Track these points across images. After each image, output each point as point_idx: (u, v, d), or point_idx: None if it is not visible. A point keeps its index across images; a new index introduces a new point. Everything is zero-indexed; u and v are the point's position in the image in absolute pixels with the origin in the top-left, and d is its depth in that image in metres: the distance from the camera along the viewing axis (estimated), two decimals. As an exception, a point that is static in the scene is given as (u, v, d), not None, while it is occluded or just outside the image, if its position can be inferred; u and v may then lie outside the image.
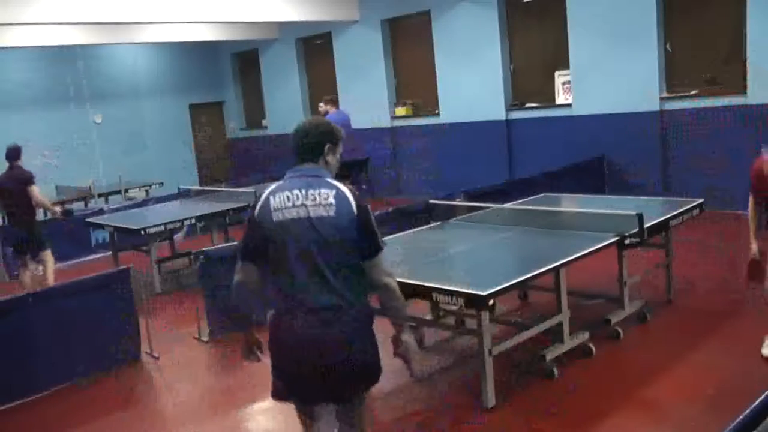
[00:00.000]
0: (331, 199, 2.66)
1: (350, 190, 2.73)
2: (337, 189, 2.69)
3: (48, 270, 7.31)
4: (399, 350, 2.94)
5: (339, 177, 2.87)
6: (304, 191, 2.68)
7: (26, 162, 7.25)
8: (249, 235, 2.75)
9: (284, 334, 2.70)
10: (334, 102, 9.89)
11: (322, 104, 9.59)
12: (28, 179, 6.93)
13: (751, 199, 4.38)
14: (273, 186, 2.75)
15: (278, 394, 2.88)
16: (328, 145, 2.78)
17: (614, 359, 4.63)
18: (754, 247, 4.29)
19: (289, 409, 4.16)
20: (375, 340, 2.81)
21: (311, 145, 2.76)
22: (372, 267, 2.73)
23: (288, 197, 2.68)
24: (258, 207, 2.71)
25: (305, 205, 2.65)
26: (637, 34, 9.03)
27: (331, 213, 2.64)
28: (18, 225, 7.22)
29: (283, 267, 2.69)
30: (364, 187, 12.43)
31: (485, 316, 3.94)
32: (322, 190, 2.67)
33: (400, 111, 12.38)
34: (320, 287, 2.65)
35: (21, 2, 8.81)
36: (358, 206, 2.67)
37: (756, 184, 4.29)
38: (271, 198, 2.70)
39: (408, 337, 2.91)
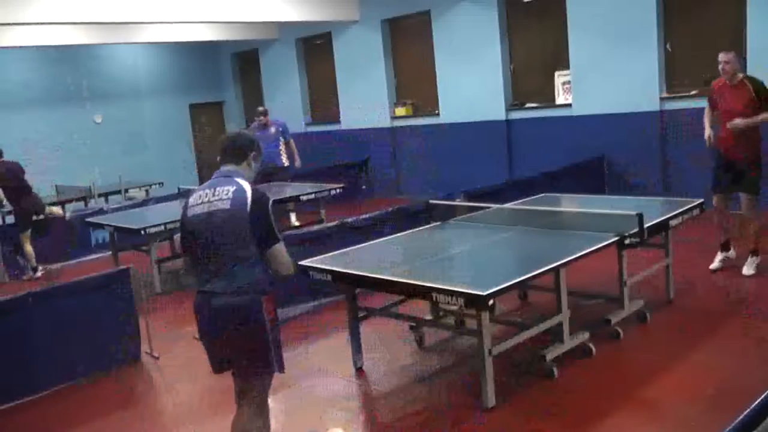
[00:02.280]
0: (230, 194, 3.10)
1: (252, 187, 3.15)
2: (238, 185, 3.13)
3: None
4: None
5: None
6: (212, 189, 3.17)
7: (27, 163, 7.28)
8: (180, 230, 3.31)
9: (196, 315, 3.20)
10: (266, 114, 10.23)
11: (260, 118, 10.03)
12: None
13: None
14: (197, 187, 3.26)
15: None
16: (252, 153, 3.30)
17: (614, 359, 4.63)
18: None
19: (289, 409, 4.18)
20: (264, 323, 3.09)
21: (237, 150, 3.27)
22: (270, 257, 3.13)
23: (199, 196, 3.18)
24: (183, 206, 3.25)
25: (210, 201, 3.13)
26: (637, 34, 9.03)
27: (226, 206, 3.08)
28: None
29: (195, 255, 3.21)
30: (364, 187, 12.46)
31: (485, 316, 3.94)
32: (225, 187, 3.14)
33: (400, 111, 12.38)
34: (215, 273, 3.09)
35: (21, 2, 8.81)
36: (253, 200, 3.08)
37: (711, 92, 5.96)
38: (190, 198, 3.23)
39: None
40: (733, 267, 6.11)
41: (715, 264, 6.17)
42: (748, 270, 5.94)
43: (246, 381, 3.22)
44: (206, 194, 3.16)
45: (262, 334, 3.10)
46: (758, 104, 5.69)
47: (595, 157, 9.44)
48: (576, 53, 9.74)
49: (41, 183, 12.46)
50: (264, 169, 9.59)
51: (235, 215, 3.06)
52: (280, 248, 3.15)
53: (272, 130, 10.04)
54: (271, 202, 3.21)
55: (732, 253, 6.20)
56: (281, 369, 3.22)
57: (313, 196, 8.60)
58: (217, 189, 3.14)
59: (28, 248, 8.58)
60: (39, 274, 8.60)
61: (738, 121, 5.68)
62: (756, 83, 5.78)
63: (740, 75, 5.86)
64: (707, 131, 5.98)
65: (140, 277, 5.73)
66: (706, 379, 4.22)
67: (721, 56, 5.88)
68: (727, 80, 5.87)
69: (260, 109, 10.28)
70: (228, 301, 3.06)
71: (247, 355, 3.15)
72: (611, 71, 9.32)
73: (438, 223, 5.67)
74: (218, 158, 3.33)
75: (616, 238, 4.57)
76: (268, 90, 15.24)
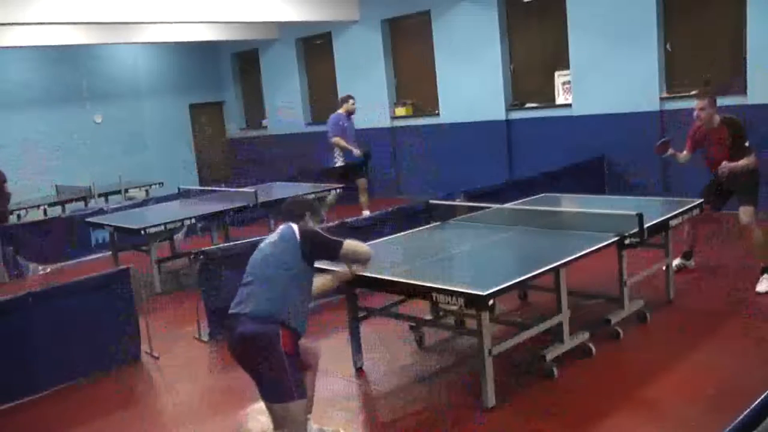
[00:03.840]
0: (279, 231, 3.53)
1: (300, 226, 3.50)
2: (288, 227, 3.52)
3: None
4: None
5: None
6: (277, 233, 3.57)
7: (27, 163, 7.29)
8: None
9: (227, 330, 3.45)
10: (340, 102, 9.91)
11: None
12: None
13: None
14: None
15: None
16: (308, 212, 3.67)
17: (614, 359, 4.63)
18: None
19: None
20: (278, 352, 3.23)
21: (299, 208, 3.68)
22: (351, 258, 3.69)
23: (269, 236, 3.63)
24: None
25: (268, 240, 3.56)
26: (637, 34, 9.03)
27: (275, 238, 3.51)
28: None
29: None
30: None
31: (485, 316, 3.94)
32: (280, 228, 3.55)
33: (400, 111, 12.38)
34: (247, 295, 3.36)
35: (21, 2, 8.81)
36: (301, 233, 3.45)
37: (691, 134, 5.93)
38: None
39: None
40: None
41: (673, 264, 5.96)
42: (761, 287, 5.57)
43: (267, 404, 3.37)
44: (273, 235, 3.59)
45: (276, 363, 3.23)
46: (735, 146, 5.68)
47: (595, 157, 9.44)
48: (576, 53, 9.74)
49: (41, 183, 12.54)
50: (352, 162, 9.61)
51: (280, 243, 3.45)
52: (347, 247, 3.57)
53: (353, 119, 9.84)
54: (317, 228, 3.63)
55: (691, 263, 6.21)
56: (298, 396, 3.28)
57: (313, 196, 8.59)
58: (276, 233, 3.58)
59: None
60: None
61: (725, 167, 5.60)
62: (733, 127, 5.75)
63: (717, 118, 5.79)
64: (681, 156, 6.02)
65: (140, 277, 5.73)
66: (706, 379, 4.22)
67: (697, 104, 5.79)
68: (705, 126, 5.82)
69: (349, 95, 9.97)
70: (247, 328, 3.26)
71: (261, 380, 3.31)
72: (611, 71, 9.32)
73: (438, 223, 5.68)
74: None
75: (616, 238, 4.57)
76: (268, 90, 15.24)
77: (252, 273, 3.43)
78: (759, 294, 5.53)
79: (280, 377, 3.22)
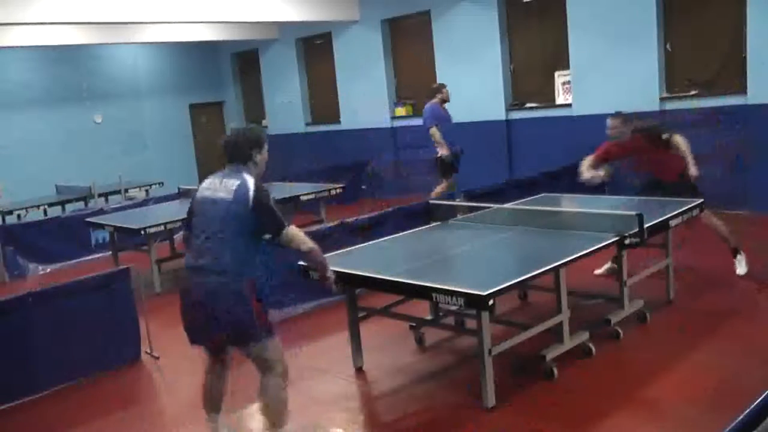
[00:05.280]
0: (234, 187, 3.42)
1: (256, 183, 3.44)
2: (243, 180, 3.44)
3: None
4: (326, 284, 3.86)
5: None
6: (220, 180, 3.52)
7: (27, 162, 7.29)
8: (188, 210, 3.68)
9: (184, 286, 3.54)
10: (433, 92, 9.36)
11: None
12: None
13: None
14: (211, 175, 3.62)
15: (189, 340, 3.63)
16: (255, 151, 3.58)
17: (614, 359, 4.63)
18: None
19: (289, 409, 4.16)
20: (246, 303, 3.37)
21: (239, 150, 3.56)
22: (286, 239, 3.47)
23: (210, 182, 3.56)
24: (195, 190, 3.65)
25: (215, 189, 3.49)
26: (637, 34, 9.03)
27: (229, 197, 3.41)
28: None
29: (191, 233, 3.56)
30: (364, 187, 12.45)
31: (485, 316, 3.94)
32: (232, 180, 3.47)
33: (400, 111, 12.38)
34: (207, 251, 3.39)
35: (21, 2, 8.81)
36: (255, 196, 3.39)
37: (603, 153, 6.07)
38: (202, 183, 3.61)
39: (328, 271, 3.82)
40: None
41: (601, 270, 6.23)
42: (740, 270, 5.96)
43: (244, 350, 3.54)
44: (214, 183, 3.52)
45: (244, 307, 3.38)
46: (657, 145, 5.82)
47: (595, 157, 9.42)
48: (576, 53, 9.74)
49: (41, 183, 12.53)
50: (455, 154, 9.02)
51: (235, 206, 3.39)
52: (290, 231, 3.48)
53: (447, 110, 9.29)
54: (272, 195, 3.51)
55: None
56: (271, 334, 3.51)
57: (313, 196, 8.60)
58: (224, 180, 3.50)
59: None
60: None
61: (693, 171, 5.66)
62: (647, 134, 5.88)
63: (628, 134, 5.94)
64: (589, 175, 6.01)
65: (140, 277, 5.73)
66: (706, 379, 4.22)
67: (608, 122, 6.05)
68: (619, 140, 5.97)
69: (442, 83, 9.45)
70: (213, 279, 3.37)
71: (232, 326, 3.43)
72: (611, 71, 9.32)
73: (438, 223, 5.67)
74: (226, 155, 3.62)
75: (616, 238, 4.57)
76: (268, 90, 15.24)
77: (207, 229, 3.44)
78: (741, 276, 5.86)
79: (252, 319, 3.38)
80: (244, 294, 3.36)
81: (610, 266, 6.16)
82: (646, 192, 6.06)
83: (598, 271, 6.22)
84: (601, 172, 6.05)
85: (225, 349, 3.70)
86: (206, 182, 3.58)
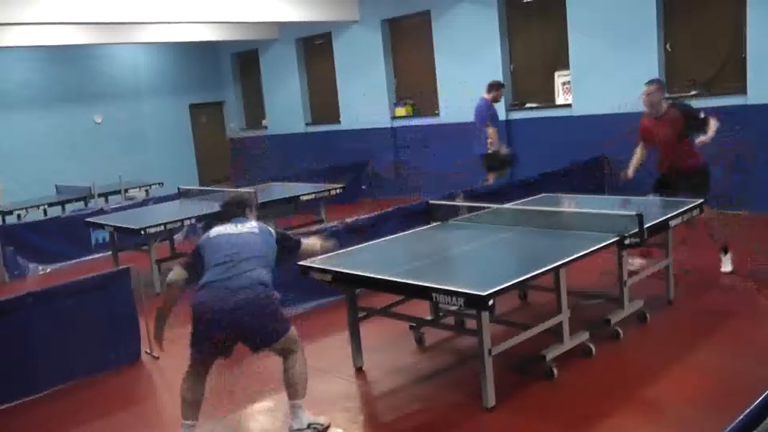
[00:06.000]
0: (255, 226, 4.13)
1: (269, 225, 4.23)
2: (257, 222, 4.21)
3: None
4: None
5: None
6: (235, 225, 4.11)
7: (27, 163, 7.28)
8: (193, 253, 4.08)
9: (204, 309, 3.81)
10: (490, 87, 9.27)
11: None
12: None
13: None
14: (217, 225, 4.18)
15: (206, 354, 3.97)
16: (248, 208, 4.31)
17: (614, 359, 4.63)
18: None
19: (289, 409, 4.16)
20: (279, 310, 3.89)
21: (239, 207, 4.29)
22: (305, 248, 4.36)
23: (224, 227, 4.09)
24: (204, 237, 4.12)
25: (239, 230, 4.05)
26: (637, 34, 9.03)
27: (255, 231, 4.07)
28: None
29: (204, 267, 3.92)
30: (364, 187, 12.46)
31: (485, 316, 3.94)
32: (248, 223, 4.16)
33: (400, 111, 12.38)
34: (240, 273, 3.80)
35: (21, 2, 8.81)
36: (275, 230, 4.19)
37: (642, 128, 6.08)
38: (213, 229, 4.11)
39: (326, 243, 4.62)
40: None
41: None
42: (726, 267, 6.05)
43: (274, 347, 3.92)
44: (229, 228, 4.08)
45: (278, 314, 3.89)
46: (690, 123, 5.80)
47: (595, 157, 9.43)
48: (576, 53, 9.74)
49: (41, 183, 12.54)
50: (506, 156, 9.11)
51: (264, 237, 4.04)
52: (306, 242, 4.37)
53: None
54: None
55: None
56: (290, 325, 3.95)
57: (313, 196, 8.60)
58: (239, 225, 4.09)
59: None
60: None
61: (704, 138, 5.69)
62: (683, 109, 5.92)
63: (664, 105, 5.93)
64: (630, 170, 6.16)
65: (140, 277, 5.73)
66: (706, 379, 4.22)
67: (645, 88, 6.00)
68: (653, 114, 5.95)
69: (501, 83, 9.38)
70: (249, 295, 3.76)
71: (264, 331, 3.84)
72: (611, 71, 9.32)
73: (438, 223, 5.68)
74: (224, 211, 4.34)
75: (616, 239, 4.57)
76: (268, 90, 15.24)
77: (238, 256, 3.88)
78: (726, 273, 6.00)
79: (281, 317, 3.90)
80: (276, 303, 3.87)
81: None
82: (658, 190, 6.04)
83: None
84: (638, 161, 6.13)
85: (230, 354, 4.02)
86: (217, 229, 4.09)
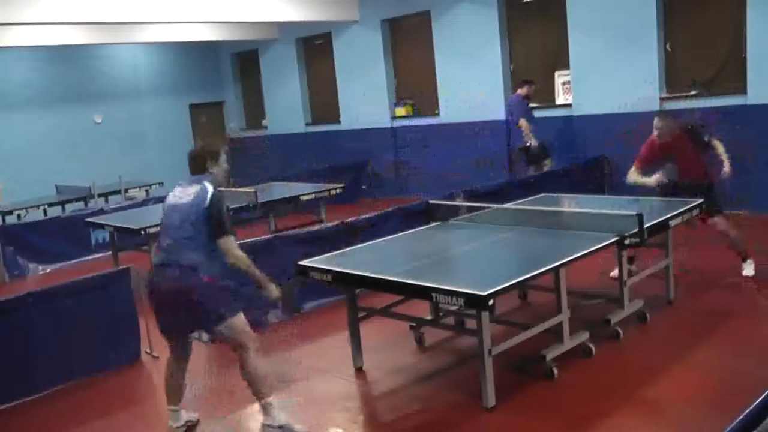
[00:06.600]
0: (194, 192, 3.84)
1: (215, 189, 3.84)
2: (203, 186, 3.84)
3: None
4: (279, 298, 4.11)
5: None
6: (184, 188, 3.95)
7: (27, 163, 7.27)
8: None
9: (150, 281, 3.88)
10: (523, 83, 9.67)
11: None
12: None
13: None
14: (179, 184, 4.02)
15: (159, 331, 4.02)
16: (209, 162, 3.97)
17: (614, 359, 4.63)
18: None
19: (290, 409, 4.17)
20: (204, 290, 3.72)
21: (196, 162, 4.01)
22: (222, 247, 3.79)
23: (176, 191, 3.99)
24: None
25: (179, 196, 3.90)
26: (637, 34, 9.03)
27: (188, 201, 3.83)
28: None
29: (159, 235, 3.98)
30: (364, 187, 12.46)
31: (485, 316, 3.94)
32: (194, 186, 3.88)
33: (400, 111, 12.38)
34: (169, 249, 3.79)
35: (21, 2, 8.81)
36: (211, 201, 3.78)
37: (647, 155, 5.97)
38: (172, 190, 4.03)
39: (268, 287, 3.97)
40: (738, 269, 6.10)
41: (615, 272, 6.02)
42: (748, 271, 5.97)
43: (214, 334, 3.92)
44: (179, 192, 3.95)
45: (204, 295, 3.72)
46: (700, 149, 5.92)
47: (595, 157, 9.44)
48: (576, 53, 9.74)
49: (41, 183, 12.54)
50: (536, 149, 9.38)
51: (194, 208, 3.78)
52: (229, 241, 3.80)
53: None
54: (226, 204, 3.90)
55: (634, 267, 5.95)
56: (234, 312, 3.80)
57: (313, 196, 8.60)
58: (187, 188, 3.92)
59: None
60: None
61: (727, 168, 5.81)
62: (693, 134, 5.93)
63: (676, 131, 5.89)
64: (655, 179, 5.93)
65: (140, 277, 5.72)
66: (706, 379, 4.22)
67: (656, 122, 5.93)
68: (664, 141, 5.88)
69: (533, 80, 9.68)
70: (174, 273, 3.73)
71: (198, 316, 3.79)
72: (611, 71, 9.32)
73: (438, 223, 5.68)
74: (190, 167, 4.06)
75: (616, 239, 4.57)
76: (268, 90, 15.23)
77: (170, 231, 3.85)
78: (746, 277, 5.91)
79: (212, 304, 3.74)
80: (202, 283, 3.70)
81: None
82: (666, 194, 5.98)
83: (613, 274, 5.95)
84: (657, 175, 5.93)
85: (189, 337, 4.08)
86: (174, 191, 4.00)
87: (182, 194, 3.91)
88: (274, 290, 3.99)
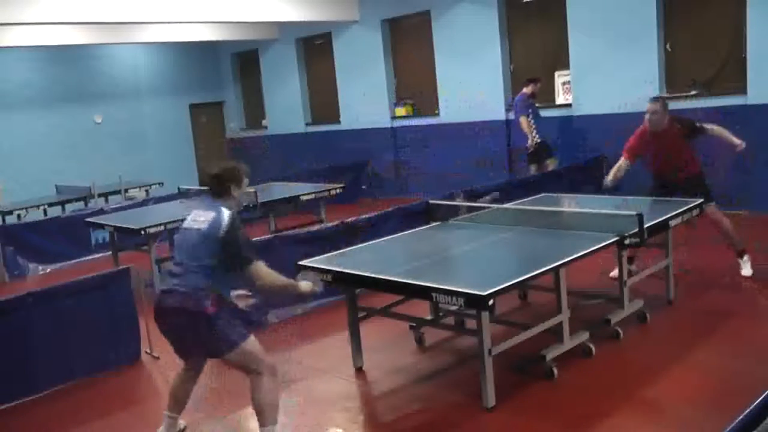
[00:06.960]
0: (209, 218, 3.65)
1: (231, 216, 3.64)
2: (219, 212, 3.66)
3: None
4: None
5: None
6: (200, 212, 3.75)
7: (27, 163, 7.27)
8: None
9: (158, 305, 3.73)
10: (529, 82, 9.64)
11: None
12: None
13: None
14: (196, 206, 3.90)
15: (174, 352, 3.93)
16: (232, 185, 3.79)
17: (614, 359, 4.63)
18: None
19: (289, 409, 4.17)
20: (210, 319, 3.53)
21: (218, 186, 3.80)
22: (252, 275, 3.66)
23: (193, 214, 3.78)
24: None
25: (196, 220, 3.72)
26: (637, 34, 9.03)
27: (204, 227, 3.64)
28: None
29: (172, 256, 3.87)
30: (364, 187, 12.46)
31: (485, 316, 3.94)
32: (210, 212, 3.69)
33: (400, 111, 12.38)
34: (177, 275, 3.65)
35: (21, 2, 8.81)
36: (227, 229, 3.59)
37: (636, 145, 5.94)
38: (190, 214, 3.82)
39: (300, 286, 3.87)
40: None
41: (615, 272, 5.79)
42: (746, 271, 5.96)
43: (224, 361, 3.74)
44: (195, 216, 3.76)
45: (209, 324, 3.55)
46: (690, 134, 5.89)
47: (595, 157, 9.43)
48: (576, 53, 9.74)
49: (41, 183, 12.53)
50: (542, 146, 9.41)
51: (206, 234, 3.62)
52: (256, 267, 3.66)
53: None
54: (242, 229, 3.68)
55: (634, 267, 5.93)
56: (244, 337, 3.62)
57: (313, 196, 8.60)
58: (204, 212, 3.74)
59: None
60: None
61: (738, 141, 5.85)
62: (682, 122, 5.91)
63: (666, 120, 5.84)
64: (610, 179, 6.03)
65: (140, 277, 5.73)
66: (706, 379, 4.22)
67: (649, 106, 5.85)
68: (656, 130, 5.84)
69: (539, 78, 9.67)
70: (177, 299, 3.59)
71: (207, 344, 3.65)
72: (611, 71, 9.32)
73: (438, 223, 5.68)
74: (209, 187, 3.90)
75: (616, 239, 4.57)
76: (268, 90, 15.23)
77: (181, 259, 3.70)
78: (745, 277, 5.86)
79: (220, 333, 3.57)
80: (208, 313, 3.53)
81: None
82: (656, 192, 6.02)
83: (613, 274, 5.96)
84: (620, 173, 5.99)
85: (203, 360, 3.99)
86: (192, 213, 3.81)
87: (198, 219, 3.73)
88: (304, 285, 3.88)
